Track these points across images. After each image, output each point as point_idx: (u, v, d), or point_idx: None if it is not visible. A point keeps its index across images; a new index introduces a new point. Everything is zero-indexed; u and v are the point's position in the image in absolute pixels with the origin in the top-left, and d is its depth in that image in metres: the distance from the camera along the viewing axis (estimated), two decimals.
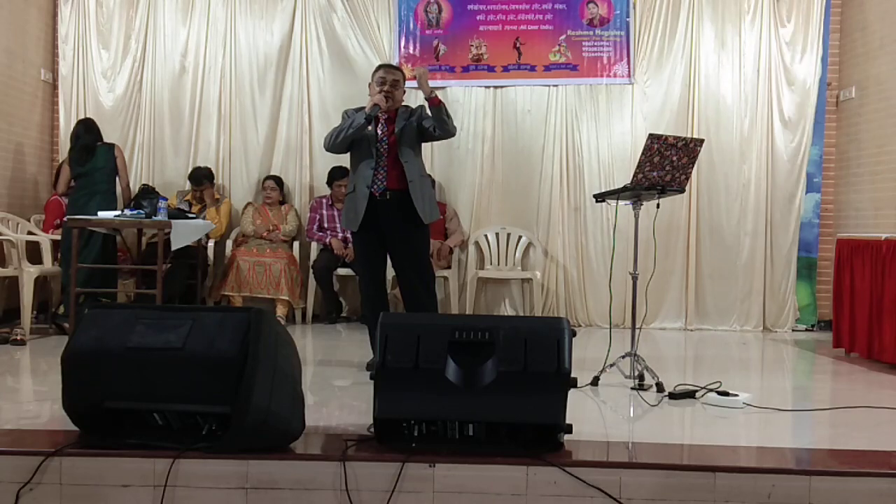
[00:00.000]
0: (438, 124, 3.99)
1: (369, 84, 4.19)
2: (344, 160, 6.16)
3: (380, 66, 4.20)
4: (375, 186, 4.01)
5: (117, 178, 5.63)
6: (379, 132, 4.07)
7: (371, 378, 2.55)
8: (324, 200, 6.21)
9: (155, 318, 2.55)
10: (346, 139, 4.01)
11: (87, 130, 5.60)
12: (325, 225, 6.16)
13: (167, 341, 2.47)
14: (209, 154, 6.41)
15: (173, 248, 5.03)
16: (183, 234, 5.07)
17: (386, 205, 4.01)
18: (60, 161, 6.06)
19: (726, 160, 6.18)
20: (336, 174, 6.10)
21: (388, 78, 4.04)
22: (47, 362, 4.34)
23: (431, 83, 4.24)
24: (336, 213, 6.15)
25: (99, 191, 5.45)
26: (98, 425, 2.57)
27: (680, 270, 6.19)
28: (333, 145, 4.07)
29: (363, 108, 4.10)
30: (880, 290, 4.61)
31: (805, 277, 6.25)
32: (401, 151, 4.03)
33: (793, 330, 6.17)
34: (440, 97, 4.02)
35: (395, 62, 6.25)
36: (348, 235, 6.08)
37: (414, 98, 5.07)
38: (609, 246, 5.91)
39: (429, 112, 4.04)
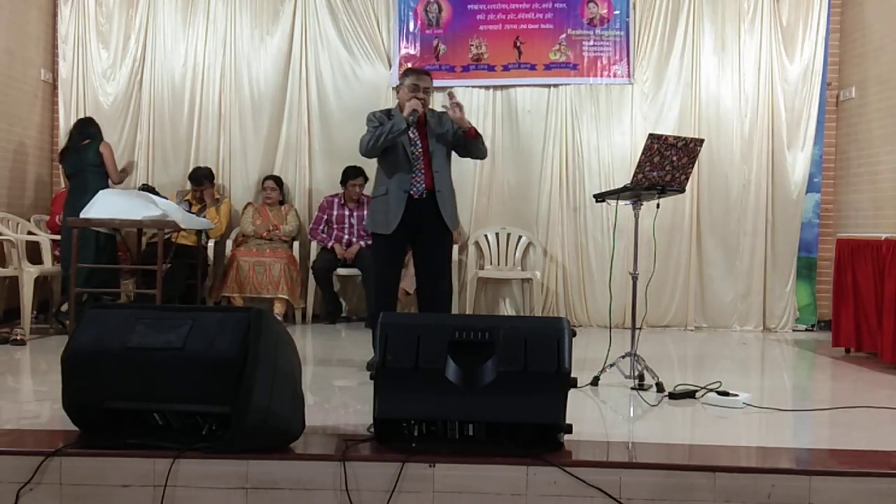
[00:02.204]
0: (475, 152, 4.23)
1: (396, 88, 4.30)
2: (351, 159, 6.24)
3: (410, 72, 4.24)
4: (414, 189, 4.09)
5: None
6: (411, 135, 4.13)
7: (371, 378, 2.55)
8: (335, 200, 6.20)
9: (155, 318, 2.54)
10: (385, 143, 4.05)
11: (78, 128, 5.62)
12: (334, 224, 6.15)
13: (167, 341, 2.47)
14: (209, 154, 6.41)
15: (186, 227, 5.23)
16: (187, 220, 5.26)
17: (422, 205, 4.09)
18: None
19: (727, 160, 6.18)
20: (351, 174, 6.10)
21: (421, 85, 4.12)
22: (47, 362, 4.34)
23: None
24: (347, 212, 6.14)
25: (90, 188, 5.42)
26: (98, 425, 2.57)
27: (681, 270, 6.19)
28: (372, 149, 4.11)
29: (388, 110, 4.24)
30: (880, 290, 4.61)
31: (805, 277, 6.26)
32: (434, 161, 4.13)
33: (793, 330, 6.18)
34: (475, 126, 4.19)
35: (393, 60, 6.29)
36: (353, 238, 6.09)
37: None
38: (609, 246, 5.91)
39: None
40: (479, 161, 6.27)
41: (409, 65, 6.29)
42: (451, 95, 4.12)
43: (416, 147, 4.13)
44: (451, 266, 4.37)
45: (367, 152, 4.15)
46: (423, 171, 4.11)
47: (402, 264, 4.28)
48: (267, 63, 6.39)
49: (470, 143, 4.16)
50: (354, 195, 6.12)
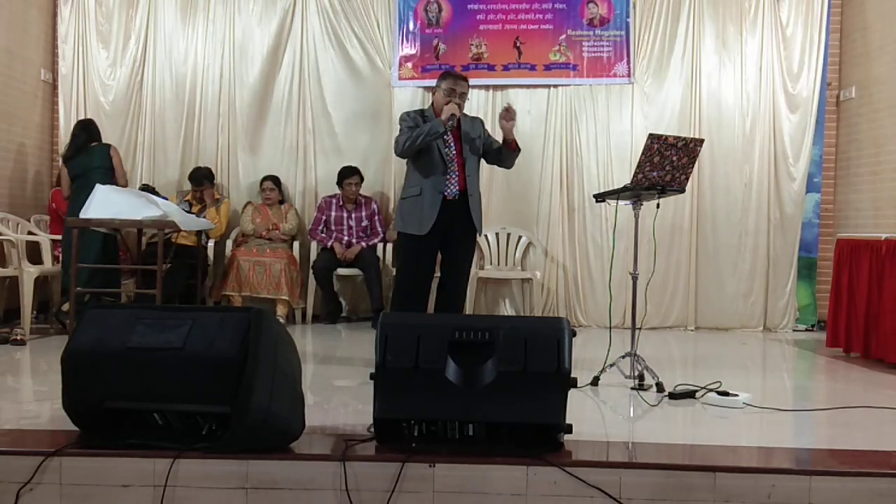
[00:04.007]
0: (506, 161, 4.34)
1: (433, 90, 4.31)
2: (351, 159, 6.25)
3: (447, 76, 4.26)
4: (448, 190, 4.14)
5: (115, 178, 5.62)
6: (445, 137, 4.17)
7: (371, 378, 2.55)
8: (333, 201, 6.20)
9: (155, 318, 2.54)
10: (421, 145, 4.11)
11: (82, 129, 5.61)
12: (332, 226, 6.15)
13: (167, 341, 2.46)
14: (209, 154, 6.41)
15: (186, 228, 5.27)
16: (186, 221, 5.26)
17: (454, 206, 4.14)
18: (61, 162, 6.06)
19: (728, 160, 6.18)
20: (346, 173, 6.11)
21: (458, 90, 4.18)
22: (47, 362, 4.34)
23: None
24: (346, 214, 6.14)
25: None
26: (98, 425, 2.56)
27: (681, 270, 6.19)
28: (408, 150, 4.15)
29: (422, 110, 4.31)
30: (880, 290, 4.61)
31: (805, 277, 6.25)
32: (467, 164, 4.20)
33: (793, 330, 6.17)
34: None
35: (393, 60, 6.29)
36: (352, 240, 6.09)
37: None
38: (609, 246, 5.91)
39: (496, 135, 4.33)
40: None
41: (410, 65, 6.30)
42: (508, 109, 4.21)
43: (450, 149, 4.18)
44: (470, 267, 4.40)
45: (402, 153, 4.20)
46: (456, 173, 4.17)
47: (434, 267, 4.28)
48: (266, 63, 6.39)
49: (505, 154, 4.27)
50: (351, 195, 6.11)
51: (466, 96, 4.26)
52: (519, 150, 4.29)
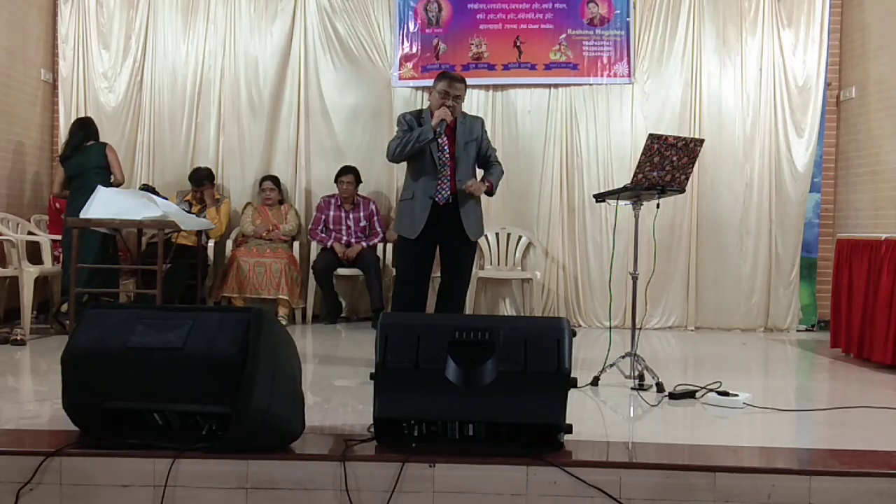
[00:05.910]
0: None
1: (430, 91, 4.25)
2: (350, 159, 6.26)
3: (443, 77, 4.18)
4: (439, 195, 4.11)
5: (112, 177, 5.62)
6: (439, 140, 4.13)
7: (371, 378, 2.55)
8: (332, 201, 6.20)
9: (155, 318, 2.54)
10: (411, 151, 4.09)
11: (80, 128, 5.61)
12: (331, 226, 6.16)
13: (167, 341, 2.47)
14: (209, 154, 6.41)
15: (186, 228, 5.24)
16: (186, 221, 5.26)
17: (448, 210, 4.11)
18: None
19: (729, 160, 6.17)
20: (340, 171, 6.11)
21: (452, 92, 4.09)
22: (47, 362, 4.34)
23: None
24: (343, 213, 6.14)
25: (93, 189, 5.42)
26: (98, 425, 2.57)
27: (681, 270, 6.19)
28: (398, 156, 4.15)
29: (420, 111, 4.26)
30: (880, 289, 4.60)
31: (805, 277, 6.25)
32: (458, 168, 4.14)
33: (796, 330, 6.17)
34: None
35: (393, 59, 6.28)
36: (351, 240, 6.10)
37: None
38: (609, 246, 5.91)
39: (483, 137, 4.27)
40: None
41: (410, 64, 6.30)
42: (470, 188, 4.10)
43: (443, 153, 4.14)
44: (470, 270, 4.36)
45: (393, 158, 4.19)
46: (448, 177, 4.13)
47: (430, 269, 4.26)
48: (266, 63, 6.39)
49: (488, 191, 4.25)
50: (345, 193, 6.10)
51: (462, 98, 4.16)
52: (493, 189, 4.27)
